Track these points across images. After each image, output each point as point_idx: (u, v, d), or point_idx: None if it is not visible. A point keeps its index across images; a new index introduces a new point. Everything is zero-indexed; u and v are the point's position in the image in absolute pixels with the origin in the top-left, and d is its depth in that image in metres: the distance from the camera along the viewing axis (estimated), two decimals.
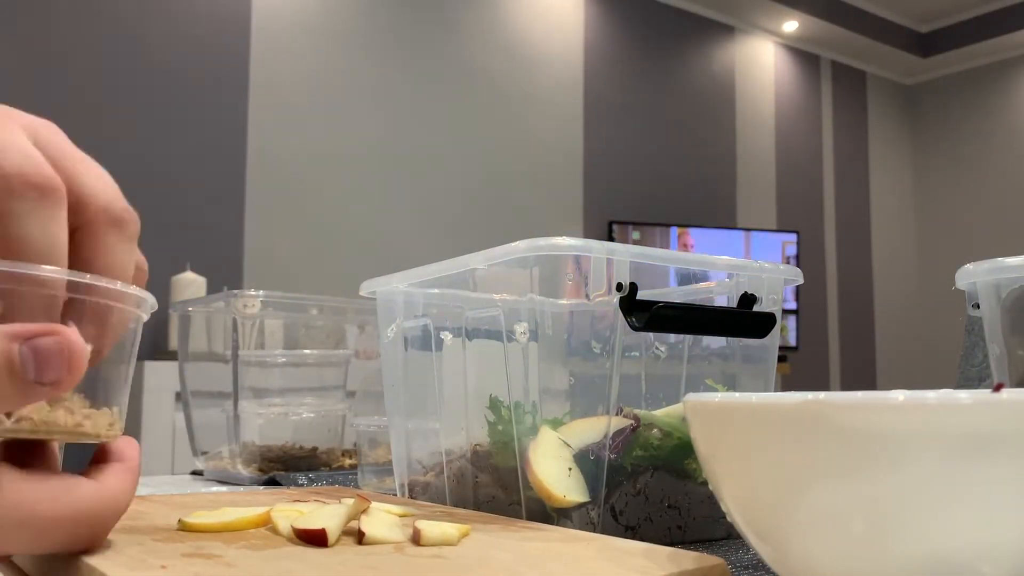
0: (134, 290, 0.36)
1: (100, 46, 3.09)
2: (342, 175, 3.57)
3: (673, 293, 0.60)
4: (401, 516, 0.47)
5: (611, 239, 4.20)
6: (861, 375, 5.49)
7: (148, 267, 0.39)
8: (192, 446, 1.04)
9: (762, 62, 5.16)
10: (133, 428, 2.57)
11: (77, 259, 0.34)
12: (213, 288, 2.97)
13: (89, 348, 0.32)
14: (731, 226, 4.87)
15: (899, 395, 0.26)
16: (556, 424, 0.51)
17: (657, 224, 4.45)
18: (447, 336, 0.59)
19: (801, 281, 0.60)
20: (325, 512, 0.41)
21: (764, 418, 0.28)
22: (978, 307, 0.49)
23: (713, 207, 4.85)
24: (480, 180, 3.96)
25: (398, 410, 0.66)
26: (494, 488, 0.55)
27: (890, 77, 5.91)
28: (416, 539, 0.40)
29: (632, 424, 0.51)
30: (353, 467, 0.96)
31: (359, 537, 0.40)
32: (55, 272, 0.32)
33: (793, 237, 4.87)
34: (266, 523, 0.44)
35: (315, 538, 0.39)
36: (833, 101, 5.55)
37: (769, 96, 5.17)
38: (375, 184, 3.66)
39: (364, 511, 0.43)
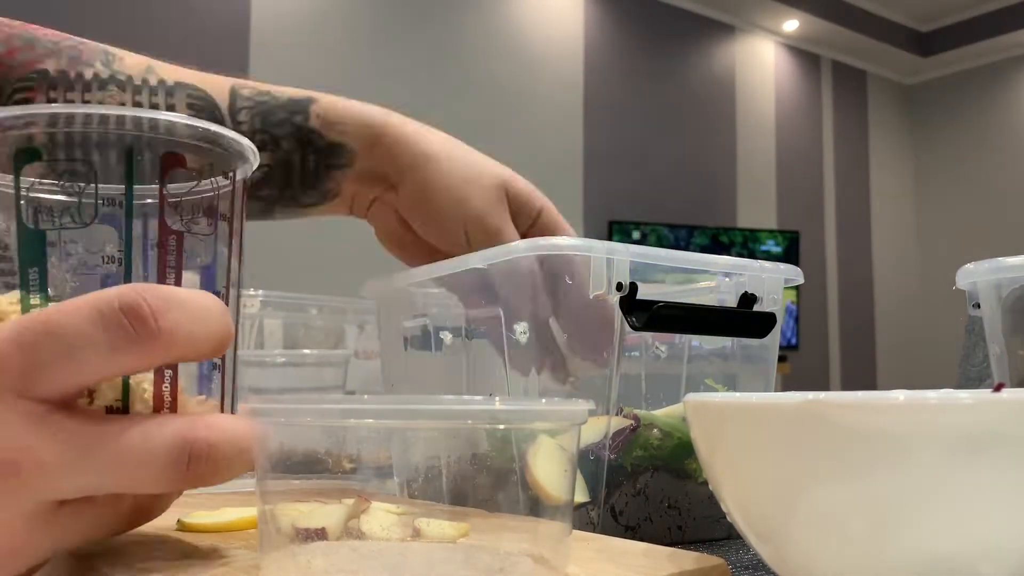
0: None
1: None
2: None
3: (673, 293, 0.60)
4: (400, 515, 0.47)
5: (611, 239, 4.20)
6: (861, 375, 5.49)
7: None
8: None
9: (762, 61, 5.15)
10: None
11: None
12: None
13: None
14: (731, 226, 4.87)
15: (899, 395, 0.26)
16: None
17: (657, 224, 4.45)
18: (447, 336, 0.59)
19: (801, 281, 0.60)
20: (325, 511, 0.41)
21: (764, 418, 0.28)
22: (978, 307, 0.49)
23: (713, 207, 4.85)
24: None
25: None
26: (493, 488, 0.55)
27: (890, 76, 5.91)
28: (416, 538, 0.40)
29: (632, 424, 0.51)
30: (353, 467, 0.96)
31: (359, 536, 0.40)
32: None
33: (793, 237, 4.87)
34: None
35: (315, 537, 0.39)
36: (833, 100, 5.54)
37: (769, 96, 5.17)
38: None
39: (364, 510, 0.43)
